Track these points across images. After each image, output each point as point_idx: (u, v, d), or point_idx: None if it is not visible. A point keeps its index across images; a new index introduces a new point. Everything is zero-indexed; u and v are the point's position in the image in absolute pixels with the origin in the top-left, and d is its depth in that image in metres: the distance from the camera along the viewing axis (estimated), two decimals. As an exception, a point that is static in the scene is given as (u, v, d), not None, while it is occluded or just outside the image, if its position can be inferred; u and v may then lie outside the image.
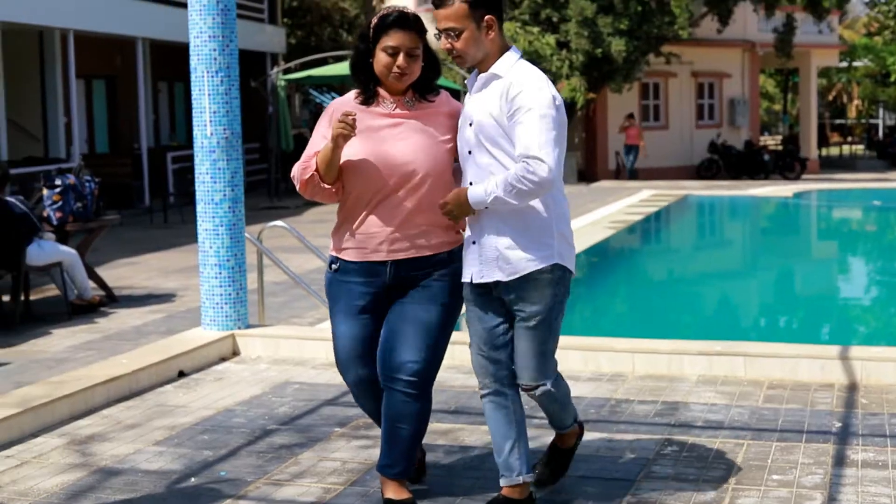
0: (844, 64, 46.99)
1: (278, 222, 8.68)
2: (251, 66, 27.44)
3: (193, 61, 7.37)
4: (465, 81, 4.60)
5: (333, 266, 4.59)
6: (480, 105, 4.36)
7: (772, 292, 14.11)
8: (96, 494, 4.82)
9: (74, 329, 8.66)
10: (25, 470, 5.18)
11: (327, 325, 8.32)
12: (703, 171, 34.00)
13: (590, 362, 6.84)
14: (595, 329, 9.91)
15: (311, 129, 28.58)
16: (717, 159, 34.52)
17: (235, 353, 7.51)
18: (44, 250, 9.28)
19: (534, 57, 28.19)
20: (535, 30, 28.49)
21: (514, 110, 4.22)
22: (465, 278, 4.46)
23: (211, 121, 7.36)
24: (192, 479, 5.01)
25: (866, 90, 52.26)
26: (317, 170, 4.44)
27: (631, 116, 32.05)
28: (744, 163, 34.53)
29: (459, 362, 6.55)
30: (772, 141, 47.46)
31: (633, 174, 30.76)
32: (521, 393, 4.50)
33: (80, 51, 19.12)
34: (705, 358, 6.74)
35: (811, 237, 20.63)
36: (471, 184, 4.35)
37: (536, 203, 4.30)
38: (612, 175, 32.30)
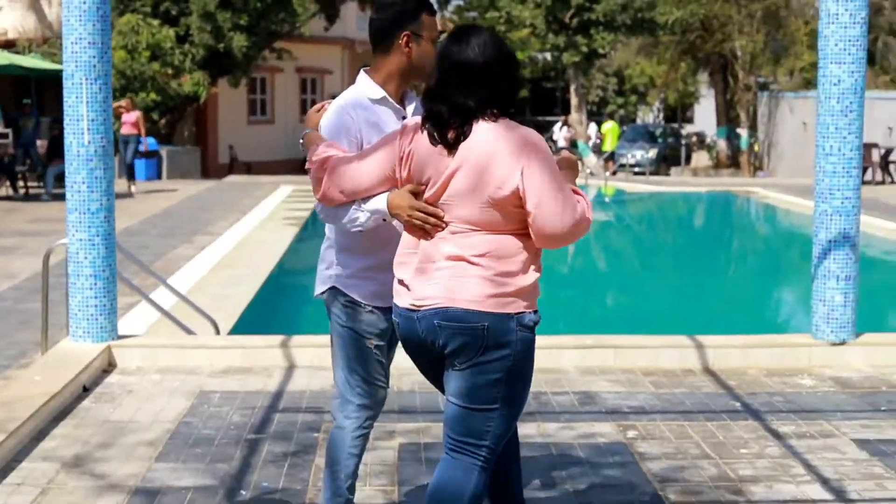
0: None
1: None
2: None
3: (70, 67, 7.14)
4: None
5: None
6: None
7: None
8: (168, 514, 4.83)
9: None
10: (51, 499, 5.01)
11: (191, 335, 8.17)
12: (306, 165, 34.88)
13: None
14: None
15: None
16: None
17: (112, 364, 7.36)
18: None
19: (155, 50, 27.88)
20: (156, 22, 28.14)
21: None
22: None
23: (89, 129, 7.17)
24: (244, 493, 5.09)
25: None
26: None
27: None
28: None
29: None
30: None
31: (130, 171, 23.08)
32: None
33: None
34: (579, 351, 7.50)
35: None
36: None
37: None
38: (226, 170, 32.42)
